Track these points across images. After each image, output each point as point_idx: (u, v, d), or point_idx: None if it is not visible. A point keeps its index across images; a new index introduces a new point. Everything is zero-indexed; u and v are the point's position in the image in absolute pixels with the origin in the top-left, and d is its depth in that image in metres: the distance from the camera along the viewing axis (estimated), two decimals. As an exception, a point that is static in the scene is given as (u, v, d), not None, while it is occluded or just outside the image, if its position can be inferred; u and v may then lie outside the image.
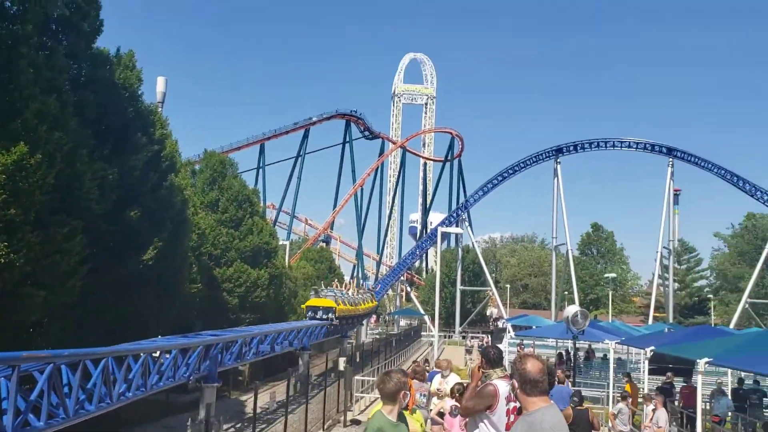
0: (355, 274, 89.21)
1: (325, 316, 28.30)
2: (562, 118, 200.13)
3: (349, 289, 34.87)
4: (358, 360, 27.03)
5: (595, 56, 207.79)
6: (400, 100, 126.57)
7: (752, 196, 59.63)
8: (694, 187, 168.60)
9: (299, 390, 23.81)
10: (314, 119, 78.60)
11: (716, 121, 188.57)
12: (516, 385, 3.85)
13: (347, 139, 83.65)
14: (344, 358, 27.85)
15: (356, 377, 22.66)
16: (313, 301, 29.13)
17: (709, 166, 60.80)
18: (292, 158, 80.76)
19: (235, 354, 17.89)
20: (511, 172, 65.54)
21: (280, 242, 42.12)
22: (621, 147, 64.48)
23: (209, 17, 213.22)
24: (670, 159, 62.44)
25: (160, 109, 25.33)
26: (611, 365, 22.93)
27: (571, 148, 64.72)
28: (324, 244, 76.36)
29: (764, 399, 19.79)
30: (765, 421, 17.07)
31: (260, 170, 76.21)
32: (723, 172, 60.33)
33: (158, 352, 13.38)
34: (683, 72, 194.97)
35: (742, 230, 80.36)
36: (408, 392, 4.33)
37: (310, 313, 28.62)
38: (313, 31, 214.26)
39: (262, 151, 75.70)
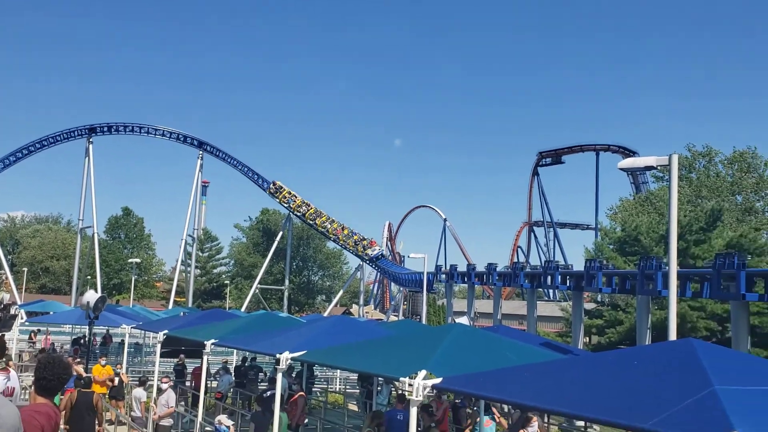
0: None
1: None
2: (96, 98, 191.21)
3: None
4: None
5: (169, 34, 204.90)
6: None
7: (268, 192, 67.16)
8: (222, 180, 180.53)
9: None
10: None
11: (245, 114, 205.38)
12: None
13: None
14: None
15: None
16: None
17: (234, 162, 66.26)
18: None
19: None
20: (38, 146, 60.65)
21: None
22: (155, 134, 65.52)
23: None
24: (201, 152, 65.99)
25: None
26: (126, 349, 23.43)
27: (105, 129, 63.44)
28: None
29: (260, 374, 22.73)
30: (258, 394, 19.68)
31: None
32: (245, 169, 66.44)
33: None
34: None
35: (257, 223, 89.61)
36: None
37: None
38: None
39: None
